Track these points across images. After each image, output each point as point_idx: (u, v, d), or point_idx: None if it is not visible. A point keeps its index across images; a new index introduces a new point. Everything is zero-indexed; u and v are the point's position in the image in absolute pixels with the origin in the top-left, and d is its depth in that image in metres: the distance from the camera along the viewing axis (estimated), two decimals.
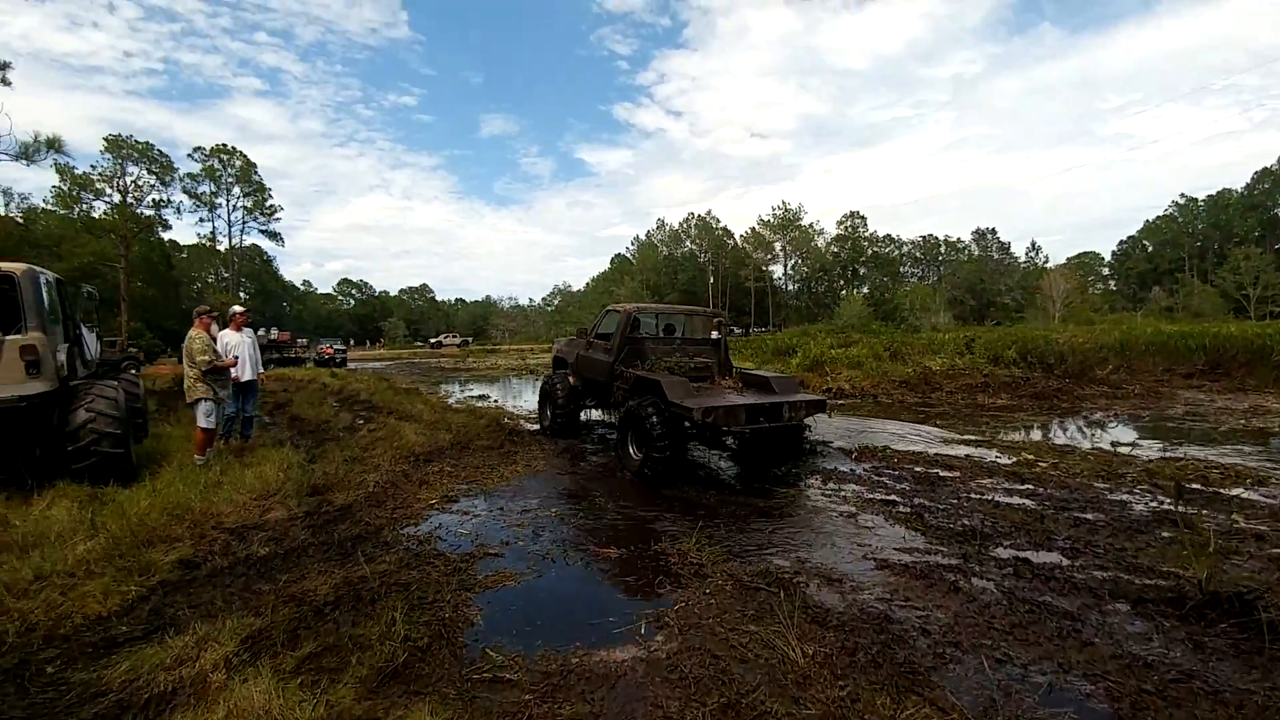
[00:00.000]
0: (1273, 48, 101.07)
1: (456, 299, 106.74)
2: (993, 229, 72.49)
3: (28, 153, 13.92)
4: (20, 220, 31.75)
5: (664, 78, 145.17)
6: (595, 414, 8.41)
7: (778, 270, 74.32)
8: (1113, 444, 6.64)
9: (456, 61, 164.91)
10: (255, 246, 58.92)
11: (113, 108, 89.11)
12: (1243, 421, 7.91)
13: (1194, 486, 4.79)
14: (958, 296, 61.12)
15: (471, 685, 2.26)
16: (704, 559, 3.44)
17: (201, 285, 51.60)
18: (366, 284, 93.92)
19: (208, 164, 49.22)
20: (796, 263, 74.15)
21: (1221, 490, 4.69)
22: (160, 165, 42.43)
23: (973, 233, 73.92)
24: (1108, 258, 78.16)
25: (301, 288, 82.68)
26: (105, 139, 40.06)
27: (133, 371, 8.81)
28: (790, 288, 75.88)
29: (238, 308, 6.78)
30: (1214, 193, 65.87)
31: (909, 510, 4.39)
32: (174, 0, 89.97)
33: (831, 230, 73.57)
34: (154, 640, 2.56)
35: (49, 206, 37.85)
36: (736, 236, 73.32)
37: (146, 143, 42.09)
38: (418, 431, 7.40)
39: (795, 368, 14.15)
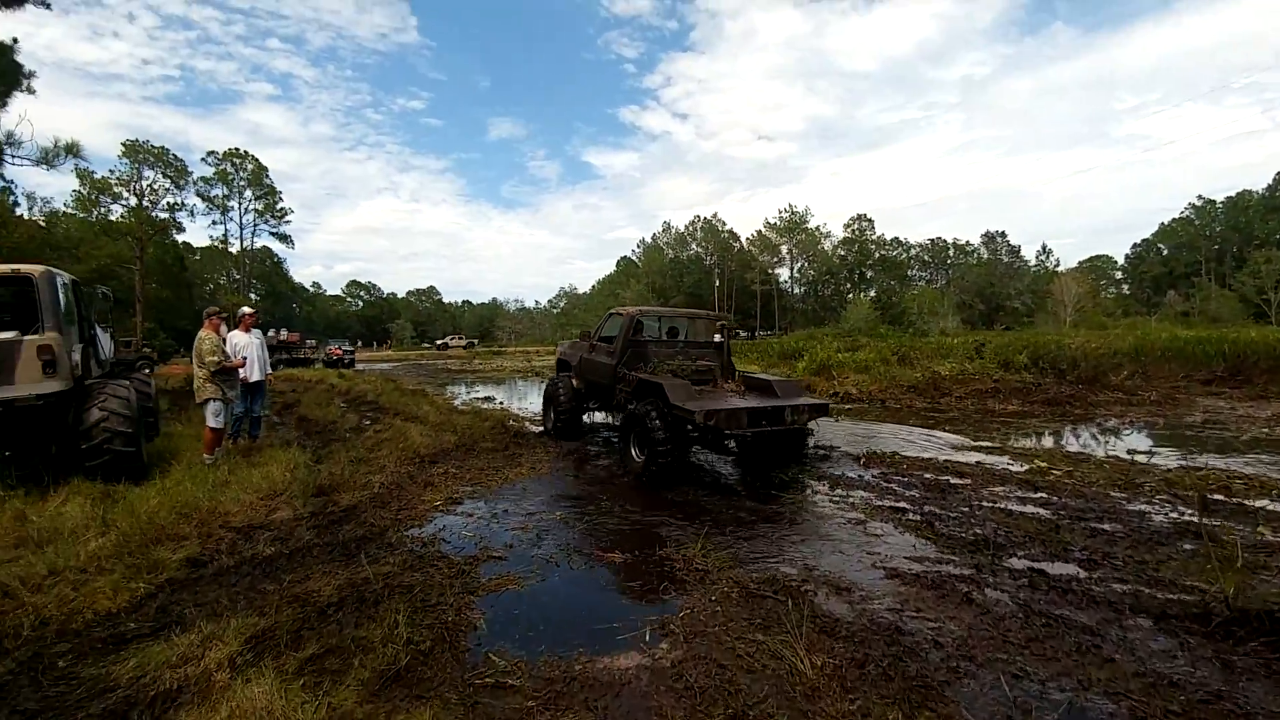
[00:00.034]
0: None
1: (463, 301, 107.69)
2: (1002, 232, 71.53)
3: (48, 158, 14.20)
4: (42, 223, 32.37)
5: (670, 80, 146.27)
6: (599, 416, 8.39)
7: (784, 273, 73.92)
8: (1129, 452, 6.48)
9: (465, 65, 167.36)
10: (266, 249, 60.00)
11: (130, 113, 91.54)
12: (1265, 430, 7.69)
13: (1217, 497, 4.65)
14: (966, 300, 60.39)
15: (474, 690, 2.23)
16: (709, 565, 3.39)
17: (214, 287, 52.30)
18: (375, 286, 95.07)
19: (221, 168, 50.05)
20: (803, 266, 73.69)
21: (1246, 502, 4.55)
22: (175, 169, 43.22)
23: (982, 236, 73.02)
24: (1121, 261, 77.13)
25: (311, 289, 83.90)
26: (123, 144, 41.02)
27: (146, 371, 8.94)
28: (797, 291, 75.39)
29: (246, 309, 6.85)
30: (1233, 194, 64.43)
31: (919, 518, 4.30)
32: (190, 8, 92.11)
33: (838, 233, 73.19)
34: (161, 638, 2.58)
35: (69, 210, 38.71)
36: (742, 239, 73.16)
37: (162, 147, 42.96)
38: (423, 433, 7.42)
39: (802, 371, 14.05)
